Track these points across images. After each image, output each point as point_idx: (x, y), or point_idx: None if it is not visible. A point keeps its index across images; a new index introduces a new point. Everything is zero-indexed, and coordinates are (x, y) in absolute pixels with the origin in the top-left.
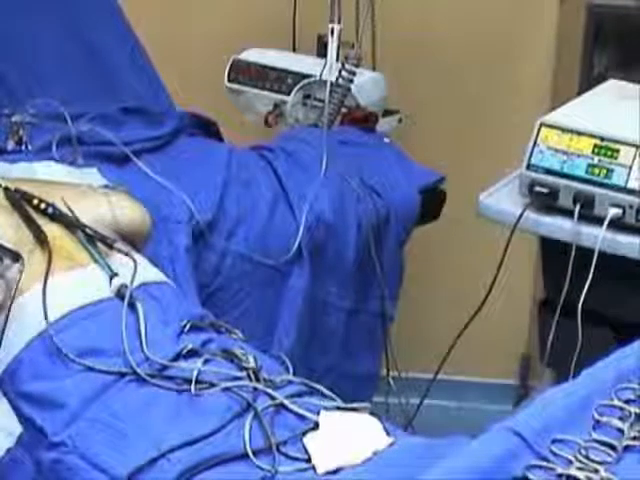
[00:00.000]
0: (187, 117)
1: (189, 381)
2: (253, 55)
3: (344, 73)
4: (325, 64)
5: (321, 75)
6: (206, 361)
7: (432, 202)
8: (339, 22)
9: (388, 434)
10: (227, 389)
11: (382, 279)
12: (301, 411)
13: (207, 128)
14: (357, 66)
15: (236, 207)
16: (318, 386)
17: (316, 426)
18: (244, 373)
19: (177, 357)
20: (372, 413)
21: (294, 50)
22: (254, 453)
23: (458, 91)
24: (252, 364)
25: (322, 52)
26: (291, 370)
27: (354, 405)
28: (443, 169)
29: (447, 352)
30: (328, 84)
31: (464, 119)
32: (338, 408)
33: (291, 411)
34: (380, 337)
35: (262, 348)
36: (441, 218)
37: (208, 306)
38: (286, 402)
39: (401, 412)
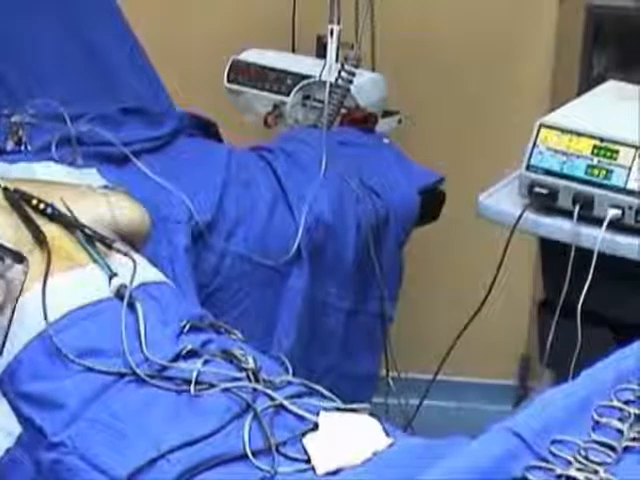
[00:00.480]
0: (187, 117)
1: (188, 382)
2: (252, 56)
3: (343, 74)
4: (324, 65)
5: (320, 76)
6: (205, 362)
7: (431, 203)
8: (338, 23)
9: (388, 435)
10: (226, 390)
11: (381, 280)
12: (301, 412)
13: (207, 129)
14: (356, 67)
15: (235, 208)
16: (317, 387)
17: (316, 427)
18: (243, 374)
19: (177, 358)
20: (372, 414)
21: (293, 51)
22: (253, 454)
23: (457, 92)
24: (251, 365)
25: (321, 53)
26: (290, 371)
27: (354, 406)
28: (443, 170)
29: (446, 353)
30: (327, 85)
31: (463, 120)
32: (338, 409)
33: (291, 412)
34: (379, 338)
35: (261, 349)
36: (441, 218)
37: (207, 306)
38: (285, 403)
39: (401, 413)
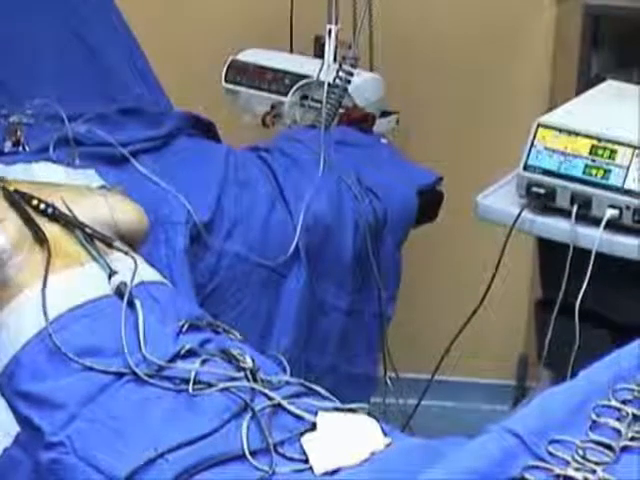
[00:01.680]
0: (185, 118)
1: (187, 381)
2: (250, 55)
3: (341, 74)
4: (322, 65)
5: (318, 76)
6: (204, 361)
7: (429, 203)
8: (336, 23)
9: (385, 435)
10: (225, 389)
11: (380, 279)
12: (299, 412)
13: (205, 129)
14: (354, 67)
15: (234, 208)
16: (315, 387)
17: (314, 427)
18: (242, 374)
19: (175, 357)
20: (370, 414)
21: (291, 51)
22: (252, 454)
23: (455, 91)
24: (250, 364)
25: (319, 53)
26: (288, 370)
27: (352, 406)
28: (440, 170)
29: (444, 352)
30: (325, 85)
31: (461, 120)
32: (336, 409)
33: (289, 412)
34: (378, 337)
35: (260, 348)
36: (439, 219)
37: (206, 307)
38: (284, 403)
39: (398, 413)
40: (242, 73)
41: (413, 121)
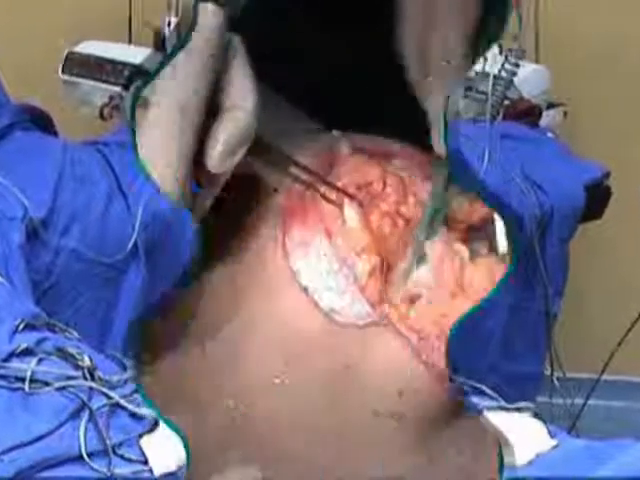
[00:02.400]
0: (21, 110)
1: (23, 380)
2: (90, 47)
3: (507, 65)
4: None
5: (483, 68)
6: (40, 360)
7: (596, 199)
8: None
9: (552, 436)
10: (62, 388)
11: (545, 276)
12: (138, 410)
13: (42, 122)
14: (520, 58)
15: (71, 203)
16: None
17: (153, 427)
18: (79, 372)
19: (10, 356)
20: (536, 414)
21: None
22: (89, 455)
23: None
24: (87, 363)
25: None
26: (128, 370)
27: (518, 405)
28: (609, 166)
29: (613, 351)
30: (491, 77)
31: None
32: (501, 408)
33: (128, 411)
34: (544, 335)
35: (99, 347)
36: (606, 215)
37: (42, 305)
38: (122, 402)
39: (565, 413)
40: (81, 65)
41: (581, 114)
